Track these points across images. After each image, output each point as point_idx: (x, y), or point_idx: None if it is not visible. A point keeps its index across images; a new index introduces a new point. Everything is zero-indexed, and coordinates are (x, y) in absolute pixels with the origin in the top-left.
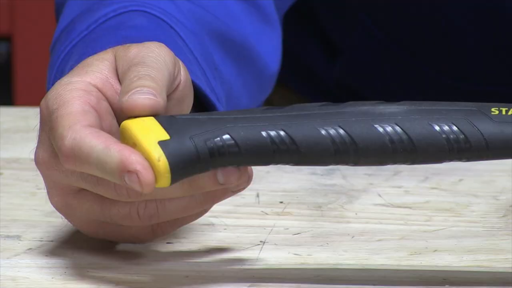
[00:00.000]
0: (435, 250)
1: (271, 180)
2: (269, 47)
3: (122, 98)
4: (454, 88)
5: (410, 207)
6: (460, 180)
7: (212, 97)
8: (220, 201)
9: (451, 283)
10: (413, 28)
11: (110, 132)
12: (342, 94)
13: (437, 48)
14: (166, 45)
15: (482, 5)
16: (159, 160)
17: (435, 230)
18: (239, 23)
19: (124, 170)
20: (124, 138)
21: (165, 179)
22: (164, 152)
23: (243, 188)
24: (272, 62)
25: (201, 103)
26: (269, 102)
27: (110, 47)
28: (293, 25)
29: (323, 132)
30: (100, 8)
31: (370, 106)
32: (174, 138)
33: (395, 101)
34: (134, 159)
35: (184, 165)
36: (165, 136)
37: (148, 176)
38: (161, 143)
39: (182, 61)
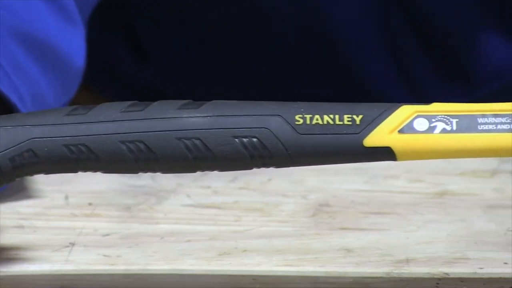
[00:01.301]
0: (244, 250)
1: (79, 181)
2: (73, 45)
3: None
4: (273, 92)
5: (219, 207)
6: (269, 179)
7: (13, 98)
8: None
9: (261, 283)
10: (230, 28)
11: None
12: (152, 98)
13: (254, 48)
14: None
15: (303, 7)
16: None
17: (244, 230)
18: (41, 22)
19: None
20: None
21: None
22: None
23: None
24: (77, 60)
25: (5, 105)
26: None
27: None
28: (102, 27)
29: (124, 147)
30: None
31: (175, 114)
32: None
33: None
34: None
35: None
36: None
37: None
38: None
39: None
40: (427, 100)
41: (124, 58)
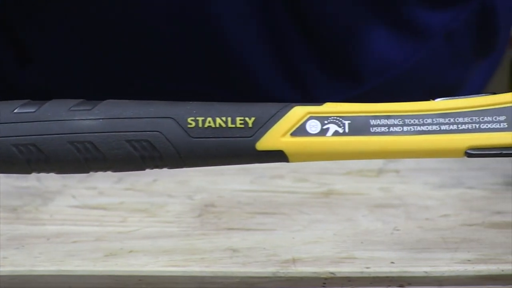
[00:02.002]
0: (130, 251)
1: None
2: None
3: None
4: (159, 89)
5: (105, 208)
6: (155, 180)
7: None
8: None
9: (147, 284)
10: (113, 27)
11: None
12: (39, 99)
13: (139, 46)
14: None
15: (186, 4)
16: None
17: (130, 231)
18: None
19: None
20: None
21: None
22: None
23: None
24: None
25: None
26: None
27: None
28: None
29: (15, 150)
30: None
31: (67, 115)
32: None
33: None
34: None
35: None
36: None
37: None
38: None
39: None
40: (314, 96)
41: (7, 60)
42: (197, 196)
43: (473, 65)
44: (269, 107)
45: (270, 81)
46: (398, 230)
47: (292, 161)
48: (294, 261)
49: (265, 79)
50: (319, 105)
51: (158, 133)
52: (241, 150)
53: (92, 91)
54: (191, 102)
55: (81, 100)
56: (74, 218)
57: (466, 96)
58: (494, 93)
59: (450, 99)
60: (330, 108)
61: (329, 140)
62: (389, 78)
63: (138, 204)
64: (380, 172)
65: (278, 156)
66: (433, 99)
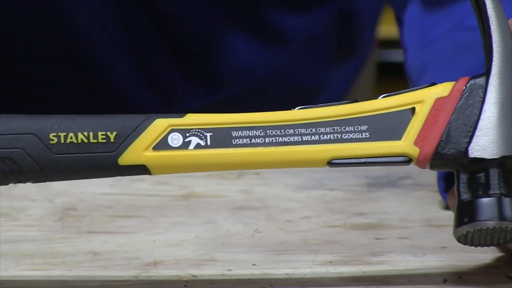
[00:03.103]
0: None
1: None
2: None
3: None
4: (26, 94)
5: None
6: (15, 184)
7: None
8: None
9: None
10: None
11: None
12: None
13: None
14: None
15: (43, 6)
16: None
17: None
18: None
19: None
20: None
21: None
22: None
23: None
24: None
25: None
26: None
27: None
28: None
29: None
30: None
31: None
32: None
33: None
34: None
35: None
36: None
37: None
38: None
39: None
40: (176, 102)
41: None
42: (57, 199)
43: (335, 68)
44: (131, 120)
45: (130, 86)
46: (259, 232)
47: (154, 174)
48: (155, 264)
49: (126, 84)
50: (181, 116)
51: (20, 150)
52: (103, 166)
53: None
54: (53, 115)
55: None
56: None
57: (327, 104)
58: (356, 101)
59: (311, 107)
60: (191, 120)
61: (191, 154)
62: (250, 83)
63: None
64: (240, 174)
65: (140, 170)
66: (294, 108)
